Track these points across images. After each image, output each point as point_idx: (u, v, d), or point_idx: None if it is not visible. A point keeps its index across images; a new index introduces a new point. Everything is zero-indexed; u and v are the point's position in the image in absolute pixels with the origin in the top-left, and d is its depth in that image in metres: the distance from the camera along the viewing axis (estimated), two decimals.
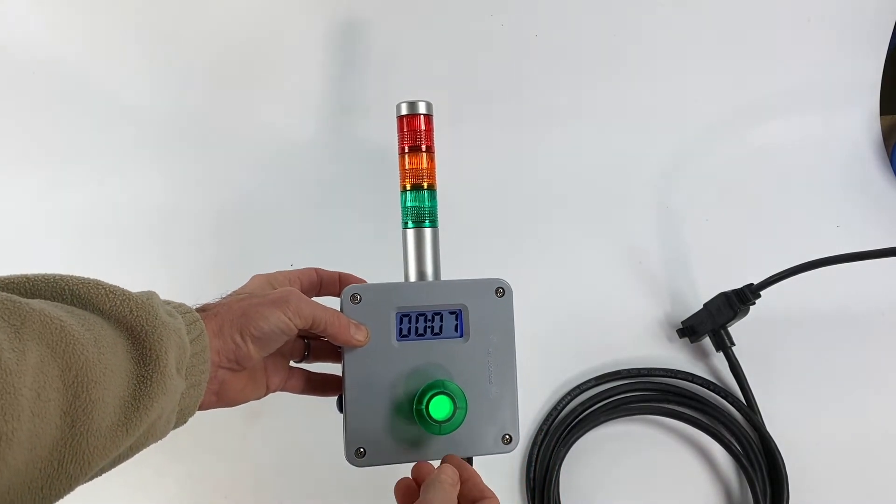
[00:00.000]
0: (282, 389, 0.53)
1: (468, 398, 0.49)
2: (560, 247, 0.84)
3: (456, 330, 0.51)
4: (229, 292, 0.49)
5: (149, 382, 0.36)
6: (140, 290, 0.40)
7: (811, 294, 0.78)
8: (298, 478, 0.71)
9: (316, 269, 0.54)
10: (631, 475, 0.71)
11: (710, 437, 0.71)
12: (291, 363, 0.54)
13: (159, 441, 0.40)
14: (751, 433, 0.71)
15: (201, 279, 0.78)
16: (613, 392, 0.73)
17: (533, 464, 0.70)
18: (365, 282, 0.54)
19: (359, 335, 0.49)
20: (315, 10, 0.80)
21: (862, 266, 0.65)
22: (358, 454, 0.49)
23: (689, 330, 0.76)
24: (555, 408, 0.72)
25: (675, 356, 0.77)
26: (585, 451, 0.72)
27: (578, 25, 0.83)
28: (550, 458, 0.69)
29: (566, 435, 0.71)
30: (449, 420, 0.47)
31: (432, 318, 0.51)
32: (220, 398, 0.46)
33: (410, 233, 0.53)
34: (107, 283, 0.38)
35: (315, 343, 0.54)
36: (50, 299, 0.36)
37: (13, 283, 0.36)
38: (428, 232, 0.53)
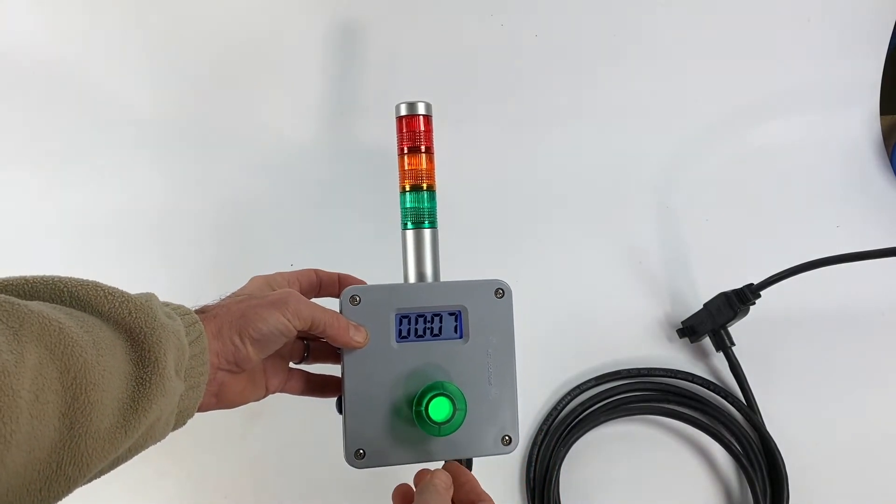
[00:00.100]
0: (281, 391, 0.53)
1: (468, 399, 0.49)
2: (560, 247, 0.84)
3: (455, 331, 0.51)
4: (228, 294, 0.49)
5: (147, 384, 0.36)
6: (139, 291, 0.40)
7: (811, 294, 0.78)
8: (298, 478, 0.71)
9: (315, 270, 0.54)
10: (631, 475, 0.71)
11: (710, 437, 0.71)
12: (291, 364, 0.54)
13: (158, 442, 0.40)
14: (751, 433, 0.71)
15: (201, 280, 0.78)
16: (613, 392, 0.73)
17: (533, 464, 0.70)
18: (364, 283, 0.54)
19: (358, 336, 0.49)
20: (315, 10, 0.80)
21: (862, 266, 0.65)
22: (357, 455, 0.49)
23: (689, 330, 0.76)
24: (555, 408, 0.72)
25: (675, 356, 0.77)
26: (585, 451, 0.72)
27: (578, 25, 0.83)
28: (550, 458, 0.69)
29: (566, 435, 0.71)
30: (448, 421, 0.47)
31: (432, 319, 0.51)
32: (220, 400, 0.46)
33: (410, 234, 0.53)
34: (106, 285, 0.38)
35: (314, 344, 0.54)
36: (49, 301, 0.36)
37: (12, 284, 0.36)
38: (427, 233, 0.53)
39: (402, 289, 0.52)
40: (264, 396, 0.51)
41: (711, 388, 0.73)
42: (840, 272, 0.66)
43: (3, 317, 0.32)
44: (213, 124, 0.84)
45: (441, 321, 0.51)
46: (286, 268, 0.54)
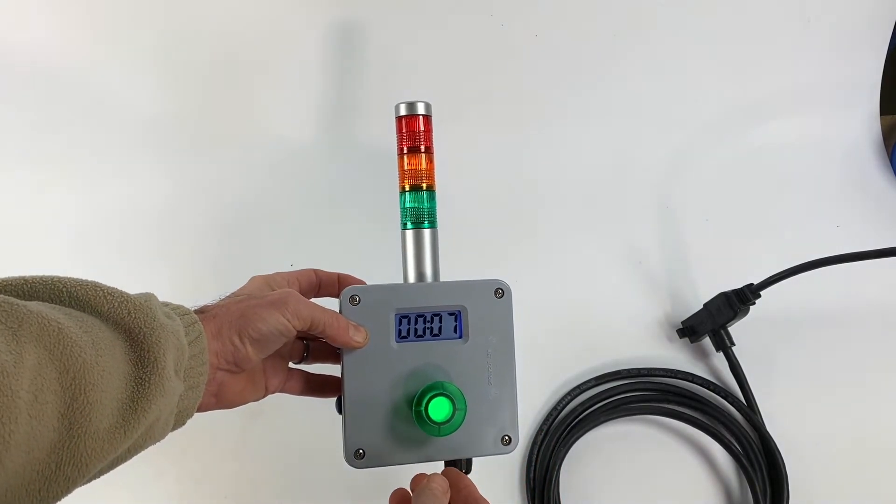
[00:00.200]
0: (281, 391, 0.53)
1: (467, 399, 0.49)
2: (560, 247, 0.84)
3: (455, 331, 0.51)
4: (228, 294, 0.49)
5: (147, 384, 0.36)
6: (139, 291, 0.40)
7: (811, 294, 0.78)
8: (298, 478, 0.71)
9: (315, 270, 0.54)
10: (631, 475, 0.71)
11: (710, 437, 0.71)
12: (290, 364, 0.54)
13: (158, 442, 0.40)
14: (751, 433, 0.71)
15: (201, 280, 0.78)
16: (613, 392, 0.73)
17: (533, 464, 0.70)
18: (364, 283, 0.54)
19: (358, 336, 0.49)
20: (315, 10, 0.80)
21: (862, 266, 0.65)
22: (357, 456, 0.49)
23: (689, 330, 0.76)
24: (555, 408, 0.72)
25: (675, 356, 0.77)
26: (585, 451, 0.72)
27: (578, 25, 0.83)
28: (550, 458, 0.69)
29: (566, 435, 0.71)
30: (448, 421, 0.47)
31: (431, 319, 0.51)
32: (219, 400, 0.46)
33: (409, 234, 0.53)
34: (105, 285, 0.38)
35: (314, 344, 0.54)
36: (48, 301, 0.36)
37: (11, 285, 0.36)
38: (427, 233, 0.53)
39: (402, 289, 0.52)
40: (264, 396, 0.51)
41: (711, 388, 0.73)
42: (840, 272, 0.66)
43: (2, 317, 0.32)
44: (213, 124, 0.84)
45: (441, 321, 0.51)
46: (286, 268, 0.54)
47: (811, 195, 0.88)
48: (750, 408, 0.72)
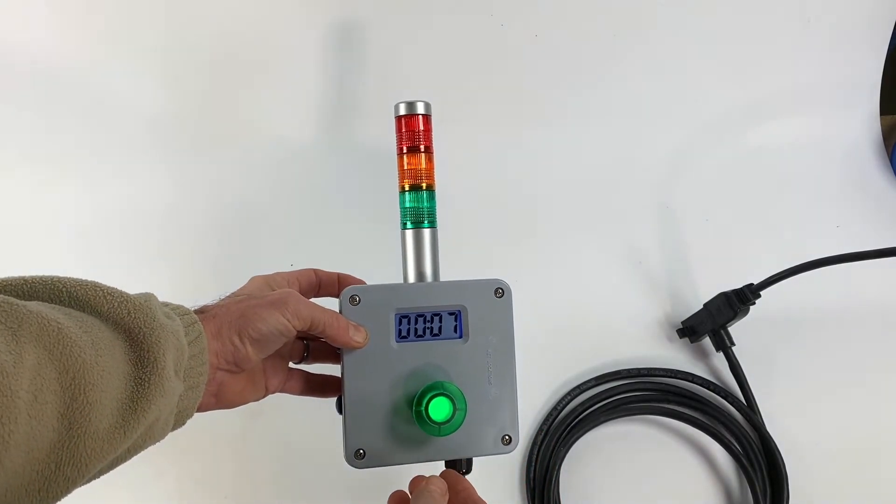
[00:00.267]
0: (281, 391, 0.53)
1: (467, 399, 0.49)
2: (560, 247, 0.84)
3: (455, 331, 0.51)
4: (228, 294, 0.49)
5: (146, 384, 0.36)
6: (139, 291, 0.40)
7: (811, 294, 0.78)
8: (298, 478, 0.71)
9: (315, 270, 0.54)
10: (631, 475, 0.71)
11: (710, 437, 0.71)
12: (290, 364, 0.54)
13: (158, 443, 0.40)
14: (751, 433, 0.71)
15: (201, 280, 0.78)
16: (613, 392, 0.73)
17: (533, 464, 0.70)
18: (364, 283, 0.54)
19: (358, 336, 0.49)
20: (315, 10, 0.80)
21: (862, 266, 0.65)
22: (357, 456, 0.49)
23: (689, 330, 0.76)
24: (555, 408, 0.72)
25: (675, 356, 0.77)
26: (585, 451, 0.72)
27: (578, 25, 0.83)
28: (550, 458, 0.69)
29: (566, 435, 0.71)
30: (448, 421, 0.47)
31: (431, 318, 0.51)
32: (219, 400, 0.46)
33: (409, 233, 0.53)
34: (105, 285, 0.38)
35: (314, 344, 0.54)
36: (47, 301, 0.36)
37: (10, 285, 0.36)
38: (427, 232, 0.53)
39: (402, 288, 0.52)
40: (264, 396, 0.51)
41: (711, 388, 0.73)
42: (840, 272, 0.66)
43: (2, 317, 0.32)
44: (213, 124, 0.84)
45: (441, 321, 0.51)
46: (286, 268, 0.54)
47: (811, 195, 0.88)
48: (750, 408, 0.72)
